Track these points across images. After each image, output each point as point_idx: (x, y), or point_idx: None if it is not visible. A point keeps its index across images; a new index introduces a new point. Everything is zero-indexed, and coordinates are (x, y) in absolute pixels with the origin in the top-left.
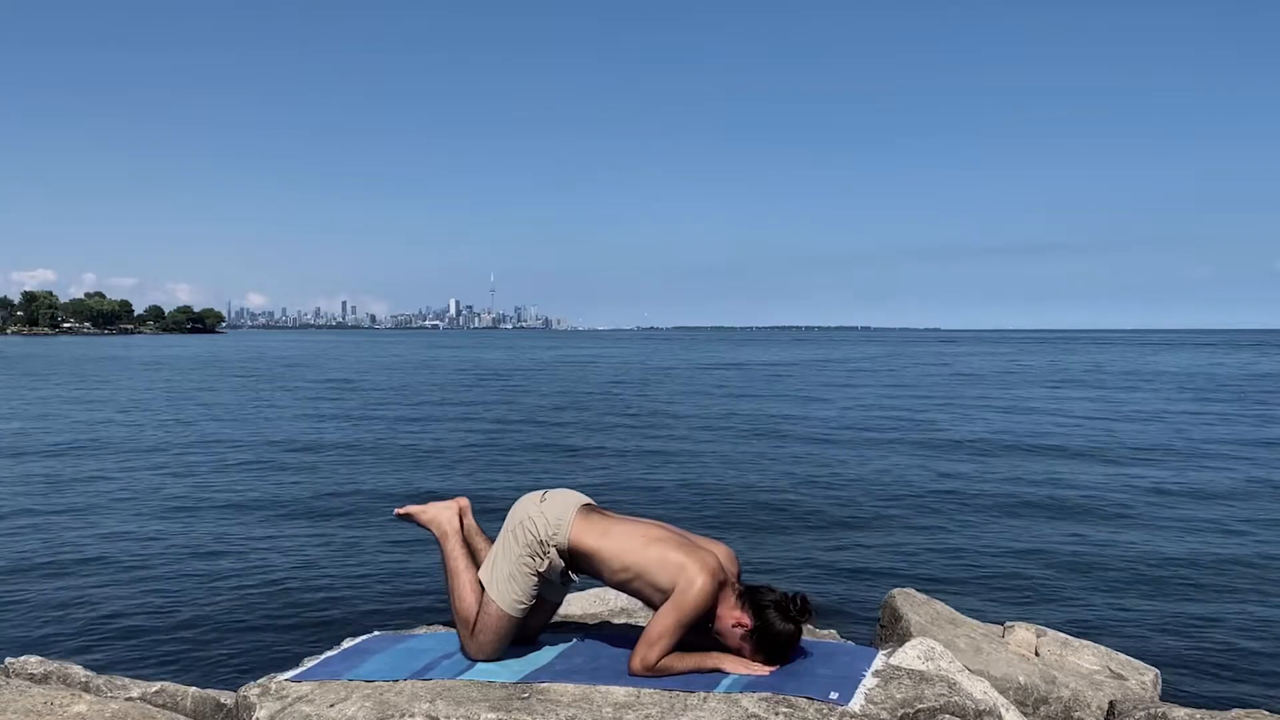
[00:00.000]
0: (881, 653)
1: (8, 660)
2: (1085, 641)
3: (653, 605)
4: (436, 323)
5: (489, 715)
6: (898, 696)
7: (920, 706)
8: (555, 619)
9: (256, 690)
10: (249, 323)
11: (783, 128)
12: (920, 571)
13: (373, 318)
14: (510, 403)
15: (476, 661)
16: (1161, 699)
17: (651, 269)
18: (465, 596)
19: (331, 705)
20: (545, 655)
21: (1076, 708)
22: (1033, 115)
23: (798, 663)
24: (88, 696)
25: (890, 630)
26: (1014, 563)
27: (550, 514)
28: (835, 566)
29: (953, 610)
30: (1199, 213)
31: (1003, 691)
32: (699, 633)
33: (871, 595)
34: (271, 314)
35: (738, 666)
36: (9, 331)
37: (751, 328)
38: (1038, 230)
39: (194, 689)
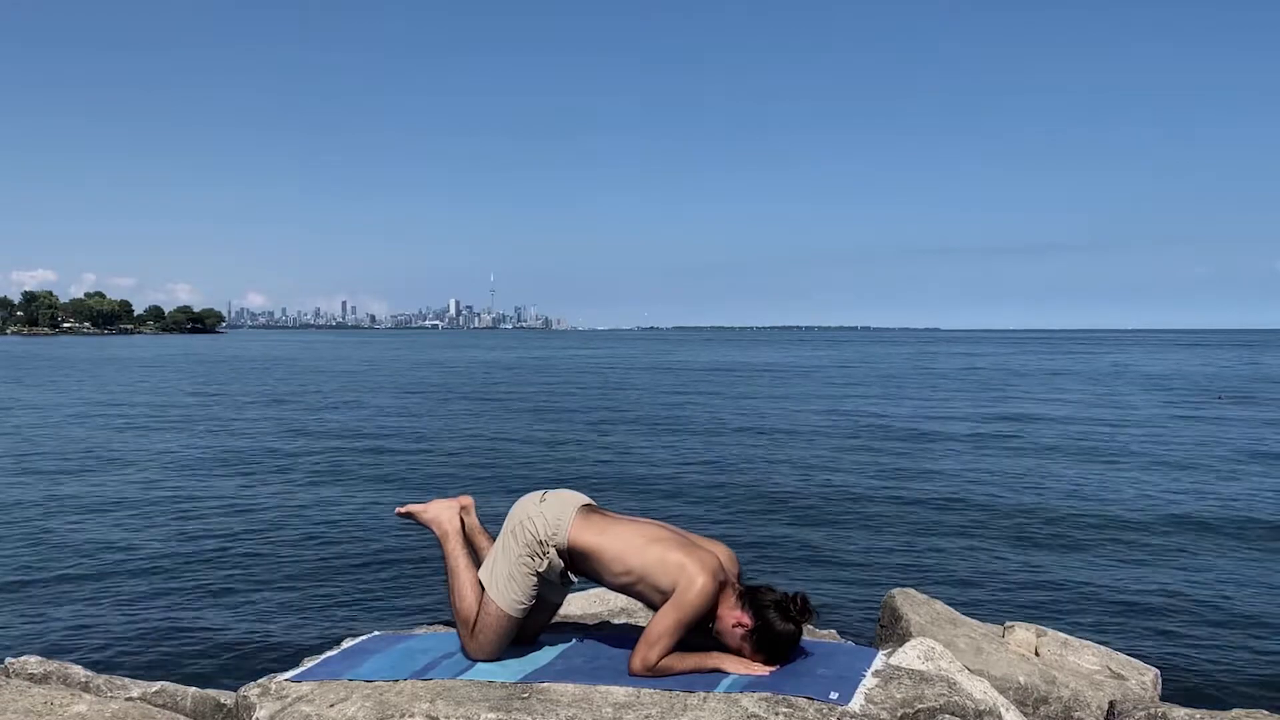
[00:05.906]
0: (881, 653)
1: (8, 660)
2: (1085, 641)
3: (653, 606)
4: (436, 323)
5: (489, 715)
6: (898, 696)
7: (920, 706)
8: (555, 619)
9: (256, 690)
10: (249, 323)
11: (783, 127)
12: (920, 571)
13: (372, 318)
14: (511, 403)
15: (476, 661)
16: (1161, 699)
17: (651, 269)
18: (465, 596)
19: (331, 705)
20: (545, 655)
21: (1076, 708)
22: (1033, 115)
23: (798, 663)
24: (88, 696)
25: (890, 630)
26: (1014, 563)
27: (550, 514)
28: (835, 566)
29: (953, 610)
30: (1199, 213)
31: (1003, 691)
32: (699, 633)
33: (871, 595)
34: (271, 314)
35: (738, 666)
36: (9, 331)
37: (751, 327)
38: (1038, 230)
39: (194, 689)
